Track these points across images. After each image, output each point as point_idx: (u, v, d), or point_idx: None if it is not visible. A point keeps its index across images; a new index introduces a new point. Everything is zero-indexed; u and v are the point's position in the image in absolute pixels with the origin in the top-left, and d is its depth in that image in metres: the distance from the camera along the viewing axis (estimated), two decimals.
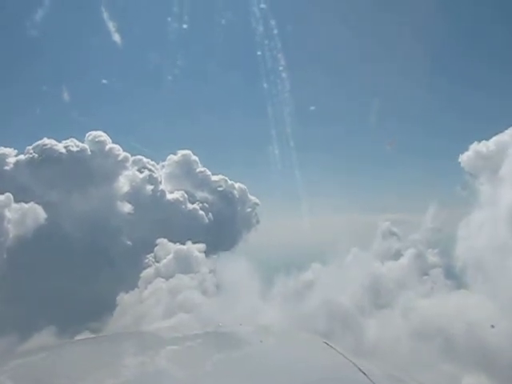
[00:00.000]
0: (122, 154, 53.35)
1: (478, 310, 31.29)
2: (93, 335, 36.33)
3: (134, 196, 53.74)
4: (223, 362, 4.54)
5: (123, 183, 53.61)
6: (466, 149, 42.30)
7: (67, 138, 51.81)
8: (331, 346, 4.69)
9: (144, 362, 4.46)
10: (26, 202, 47.14)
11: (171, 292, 40.25)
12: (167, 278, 43.69)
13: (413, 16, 55.52)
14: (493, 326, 27.02)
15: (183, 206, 55.55)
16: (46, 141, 51.09)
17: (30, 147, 51.22)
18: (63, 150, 50.53)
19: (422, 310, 33.10)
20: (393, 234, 48.79)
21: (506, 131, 39.93)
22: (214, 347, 5.09)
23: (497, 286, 32.61)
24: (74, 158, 50.47)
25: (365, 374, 3.85)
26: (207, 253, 46.43)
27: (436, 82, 68.47)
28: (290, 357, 4.76)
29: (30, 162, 50.08)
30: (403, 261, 43.99)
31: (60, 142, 51.18)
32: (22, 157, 50.61)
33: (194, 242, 47.18)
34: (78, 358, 4.46)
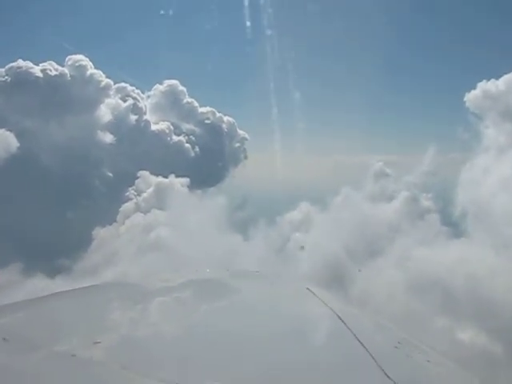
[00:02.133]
0: (105, 80, 49.86)
1: (477, 261, 28.44)
2: (60, 274, 34.71)
3: (116, 126, 50.22)
4: (203, 310, 4.87)
5: (105, 112, 50.06)
6: (474, 87, 38.02)
7: (45, 61, 47.48)
8: (313, 293, 5.16)
9: (134, 316, 4.52)
10: None
11: (148, 228, 37.20)
12: (146, 212, 40.61)
13: None
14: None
15: (168, 138, 52.48)
16: (20, 63, 46.73)
17: (3, 69, 47.03)
18: (40, 74, 46.29)
19: (418, 259, 29.97)
20: (386, 175, 45.42)
21: None
22: (197, 294, 5.49)
23: (498, 236, 29.71)
24: (52, 82, 46.43)
25: (342, 321, 4.23)
26: (191, 187, 43.18)
27: (447, 13, 63.34)
28: (271, 303, 5.17)
29: (3, 85, 45.97)
30: (396, 204, 40.80)
31: (37, 64, 46.89)
32: None
33: (178, 176, 43.71)
34: (62, 311, 4.39)
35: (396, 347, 4.14)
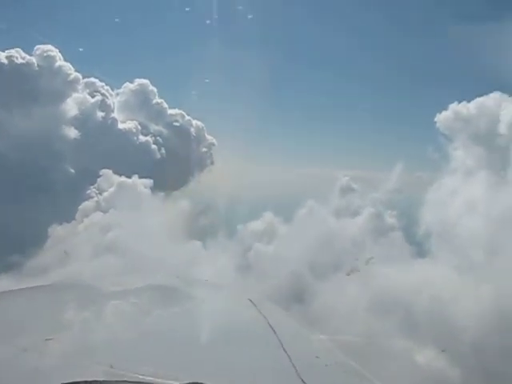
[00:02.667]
0: (73, 73, 48.02)
1: (441, 282, 27.87)
2: (11, 271, 33.03)
3: (81, 121, 48.40)
4: (141, 313, 4.97)
5: (71, 106, 48.24)
6: (445, 108, 37.61)
7: (11, 48, 45.43)
8: (253, 304, 5.56)
9: (82, 316, 4.65)
10: None
11: (107, 228, 35.67)
12: (106, 212, 39.01)
13: None
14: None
15: (135, 138, 51.05)
16: None
17: None
18: (5, 61, 44.22)
19: (381, 277, 29.19)
20: (352, 190, 44.74)
21: (491, 94, 35.61)
22: (141, 299, 5.48)
23: (463, 258, 29.14)
24: (17, 71, 44.45)
25: (274, 330, 4.59)
26: (154, 190, 41.69)
27: (419, 35, 63.13)
28: (209, 310, 5.20)
29: None
30: (361, 219, 40.12)
31: (3, 51, 44.92)
32: None
33: (142, 177, 42.21)
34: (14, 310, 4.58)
35: (317, 357, 4.49)
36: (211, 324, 4.51)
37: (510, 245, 26.25)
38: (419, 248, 33.36)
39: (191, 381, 3.48)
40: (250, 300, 5.66)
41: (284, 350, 4.23)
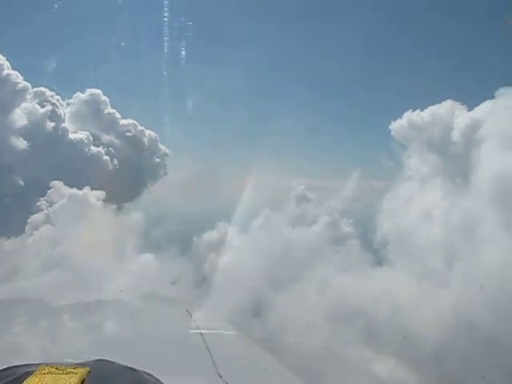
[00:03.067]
0: (22, 83, 45.86)
1: (399, 290, 27.59)
2: None
3: (31, 131, 46.19)
4: (80, 324, 5.21)
5: (20, 116, 46.00)
6: (400, 116, 37.61)
7: None
8: (190, 314, 5.65)
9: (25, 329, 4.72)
10: None
11: (56, 242, 34.21)
12: (56, 225, 37.45)
13: None
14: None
15: (86, 149, 48.92)
16: None
17: None
18: None
19: (339, 286, 28.78)
20: (308, 199, 44.28)
21: (444, 103, 35.79)
22: (84, 311, 5.77)
23: (420, 266, 28.99)
24: None
25: (204, 340, 4.61)
26: (106, 201, 40.18)
27: (373, 42, 63.52)
28: (145, 321, 5.59)
29: None
30: (317, 228, 39.59)
31: None
32: None
33: (94, 189, 40.75)
34: None
35: (246, 364, 4.50)
36: (139, 333, 4.65)
37: (467, 251, 26.15)
38: (377, 256, 33.12)
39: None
40: (188, 311, 5.79)
41: (212, 360, 4.23)
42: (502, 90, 27.31)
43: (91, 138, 48.98)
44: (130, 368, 1.72)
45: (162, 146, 53.25)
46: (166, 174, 53.73)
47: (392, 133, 37.29)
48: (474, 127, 32.12)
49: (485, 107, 32.60)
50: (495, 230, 24.39)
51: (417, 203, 32.90)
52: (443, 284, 26.34)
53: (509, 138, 25.83)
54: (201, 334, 4.84)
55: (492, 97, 32.51)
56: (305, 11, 59.37)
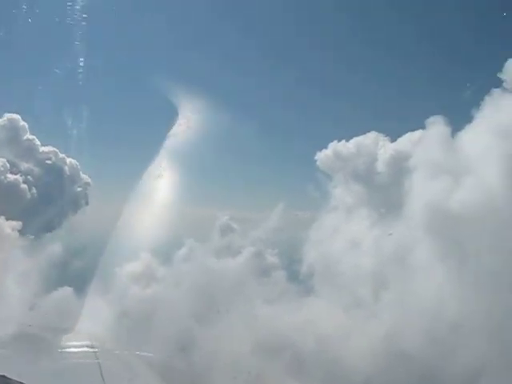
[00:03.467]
0: None
1: (326, 321, 27.01)
2: None
3: None
4: None
5: None
6: (325, 146, 37.77)
7: None
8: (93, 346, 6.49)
9: None
10: None
11: None
12: None
13: None
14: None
15: (2, 177, 46.27)
16: None
17: None
18: None
19: (266, 318, 27.92)
20: (232, 230, 43.49)
21: (368, 134, 36.26)
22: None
23: (347, 296, 28.60)
24: None
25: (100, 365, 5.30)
26: (23, 232, 37.71)
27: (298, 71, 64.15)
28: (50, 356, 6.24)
29: None
30: (242, 259, 38.70)
31: None
32: None
33: (9, 219, 38.26)
34: None
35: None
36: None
37: (397, 280, 26.03)
38: (303, 286, 32.63)
39: None
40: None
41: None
42: (432, 119, 27.64)
43: (8, 165, 46.69)
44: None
45: (83, 175, 51.53)
46: (87, 203, 51.92)
47: (317, 163, 37.46)
48: (397, 158, 32.61)
49: (407, 138, 33.26)
50: (426, 258, 24.42)
51: (343, 233, 32.84)
52: (372, 313, 26.06)
53: (438, 167, 26.11)
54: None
55: (413, 129, 33.35)
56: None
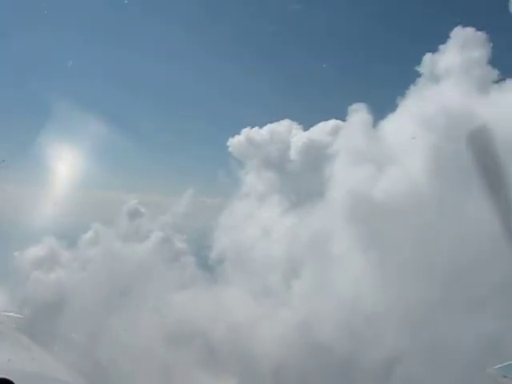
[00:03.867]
0: None
1: (239, 309, 26.64)
2: None
3: None
4: None
5: None
6: (238, 132, 37.14)
7: None
8: None
9: None
10: None
11: None
12: None
13: None
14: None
15: None
16: None
17: None
18: None
19: (175, 305, 27.24)
20: (140, 214, 42.01)
21: (282, 121, 35.96)
22: None
23: (257, 283, 28.44)
24: None
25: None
26: None
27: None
28: None
29: None
30: (149, 244, 37.56)
31: None
32: None
33: None
34: None
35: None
36: None
37: (307, 269, 26.03)
38: (213, 273, 31.95)
39: None
40: None
41: None
42: (355, 106, 27.72)
43: None
44: None
45: None
46: None
47: (230, 149, 36.77)
48: (310, 146, 32.68)
49: (320, 128, 33.39)
50: (344, 247, 24.49)
51: (254, 220, 32.43)
52: (284, 302, 25.94)
53: (360, 155, 26.27)
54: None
55: (326, 119, 33.55)
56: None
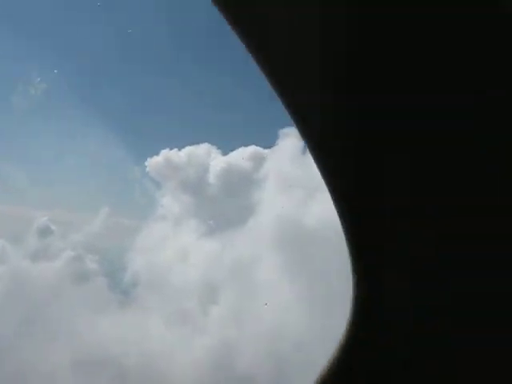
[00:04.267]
0: None
1: (152, 334, 25.97)
2: None
3: None
4: None
5: None
6: (157, 153, 36.69)
7: None
8: None
9: None
10: None
11: None
12: None
13: None
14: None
15: None
16: None
17: None
18: None
19: (86, 329, 26.06)
20: (51, 232, 40.40)
21: (201, 145, 35.88)
22: None
23: (171, 307, 27.95)
24: None
25: None
26: None
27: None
28: None
29: None
30: (59, 263, 36.09)
31: None
32: None
33: None
34: None
35: None
36: None
37: (226, 294, 25.77)
38: (126, 296, 30.91)
39: None
40: None
41: None
42: (286, 130, 27.83)
43: None
44: None
45: None
46: None
47: (148, 169, 36.29)
48: (229, 171, 32.72)
49: (239, 153, 33.52)
50: (270, 272, 24.34)
51: (171, 243, 31.92)
52: (199, 329, 25.48)
53: (288, 180, 26.33)
54: None
55: (241, 145, 33.80)
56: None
